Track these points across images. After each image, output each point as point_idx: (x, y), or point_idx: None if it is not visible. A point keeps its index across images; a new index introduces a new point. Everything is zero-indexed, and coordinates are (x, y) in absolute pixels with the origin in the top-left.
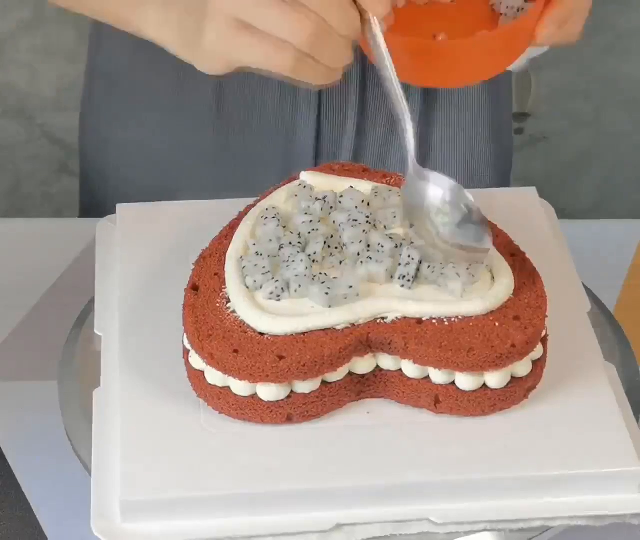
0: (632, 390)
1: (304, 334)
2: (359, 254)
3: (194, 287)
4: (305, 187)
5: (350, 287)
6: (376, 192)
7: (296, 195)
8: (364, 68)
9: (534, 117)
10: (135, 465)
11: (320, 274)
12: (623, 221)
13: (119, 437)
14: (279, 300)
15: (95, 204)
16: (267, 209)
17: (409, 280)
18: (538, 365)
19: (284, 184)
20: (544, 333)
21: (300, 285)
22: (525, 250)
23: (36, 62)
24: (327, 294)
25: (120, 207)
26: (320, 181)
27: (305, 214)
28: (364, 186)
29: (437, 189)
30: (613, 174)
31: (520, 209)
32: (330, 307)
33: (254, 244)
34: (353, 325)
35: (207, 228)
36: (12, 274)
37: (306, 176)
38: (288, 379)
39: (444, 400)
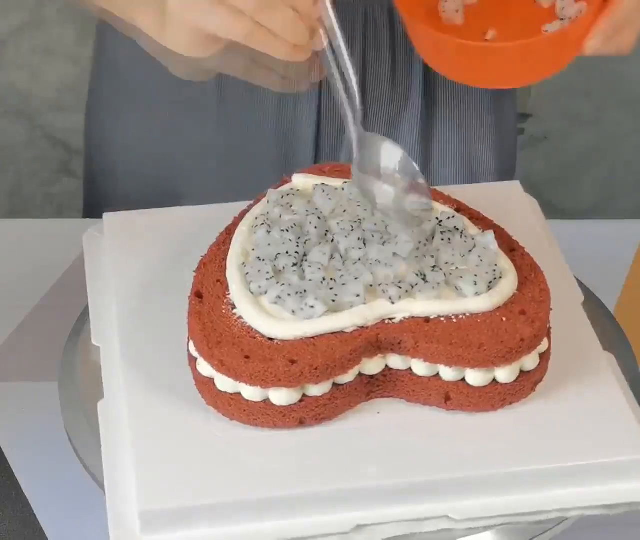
0: (630, 382)
1: (313, 337)
2: (359, 260)
3: (197, 295)
4: (295, 192)
5: (357, 296)
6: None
7: (291, 205)
8: (364, 69)
9: (535, 117)
10: (151, 475)
11: (332, 280)
12: (623, 221)
13: (131, 449)
14: (284, 304)
15: (98, 204)
16: (262, 214)
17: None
18: (544, 358)
19: (277, 187)
20: (547, 326)
21: (305, 290)
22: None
23: (37, 62)
24: (333, 301)
25: (106, 216)
26: (312, 183)
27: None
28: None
29: (385, 157)
30: (613, 174)
31: (505, 203)
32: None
33: (253, 250)
34: (362, 327)
35: (197, 234)
36: (12, 275)
37: (297, 178)
38: (300, 383)
39: (454, 397)
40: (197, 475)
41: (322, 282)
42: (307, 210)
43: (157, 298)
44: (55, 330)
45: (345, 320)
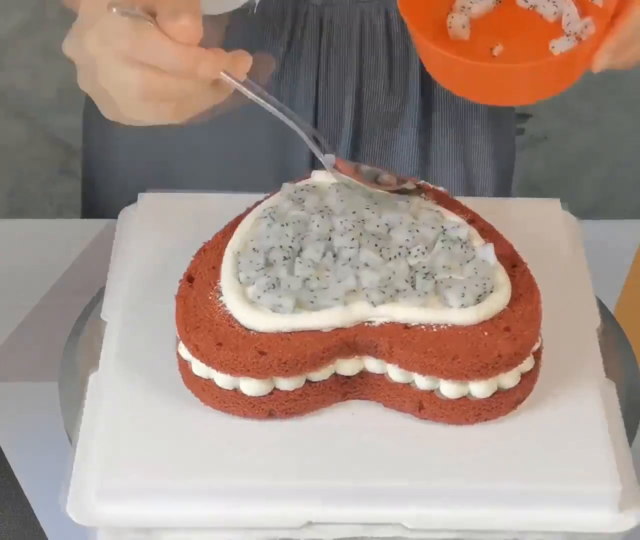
0: (633, 404)
1: (290, 332)
2: (350, 260)
3: (189, 279)
4: (310, 188)
5: (336, 299)
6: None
7: (301, 199)
8: (360, 73)
9: (535, 117)
10: (114, 449)
11: (318, 279)
12: (623, 221)
13: (101, 419)
14: (262, 298)
15: (97, 205)
16: (271, 207)
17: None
18: (527, 377)
19: (297, 181)
20: (537, 346)
21: (289, 286)
22: (539, 261)
23: (37, 63)
24: (312, 302)
25: (142, 195)
26: (330, 181)
27: (304, 211)
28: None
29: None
30: (613, 174)
31: (541, 219)
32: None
33: (252, 241)
34: (340, 327)
35: (225, 221)
36: (12, 275)
37: (319, 176)
38: (269, 375)
39: (427, 407)
40: (159, 456)
41: (305, 282)
42: (315, 208)
43: (167, 280)
44: (55, 330)
45: (323, 320)
